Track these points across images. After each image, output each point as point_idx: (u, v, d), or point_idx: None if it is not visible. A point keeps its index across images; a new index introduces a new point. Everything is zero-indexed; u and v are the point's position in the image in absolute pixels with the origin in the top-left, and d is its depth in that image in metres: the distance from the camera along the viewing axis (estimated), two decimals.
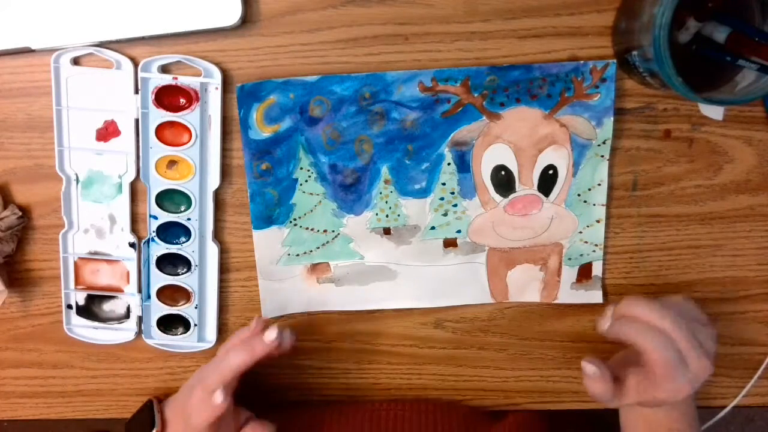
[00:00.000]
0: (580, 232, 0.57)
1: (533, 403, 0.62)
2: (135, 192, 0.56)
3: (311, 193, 0.56)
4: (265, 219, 0.57)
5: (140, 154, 0.54)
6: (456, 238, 0.57)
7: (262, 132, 0.54)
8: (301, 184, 0.56)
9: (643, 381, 0.50)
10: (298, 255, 0.58)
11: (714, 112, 0.54)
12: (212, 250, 0.57)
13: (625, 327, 0.49)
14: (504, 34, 0.52)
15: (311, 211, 0.56)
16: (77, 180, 0.55)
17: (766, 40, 0.47)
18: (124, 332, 0.59)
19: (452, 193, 0.56)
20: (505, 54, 0.53)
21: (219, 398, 0.50)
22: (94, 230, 0.57)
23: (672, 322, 0.48)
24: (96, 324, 0.59)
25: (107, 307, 0.59)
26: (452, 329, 0.60)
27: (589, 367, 0.50)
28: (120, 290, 0.58)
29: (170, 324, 0.59)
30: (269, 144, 0.54)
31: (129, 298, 0.58)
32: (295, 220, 0.57)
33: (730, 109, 0.55)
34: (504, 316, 0.60)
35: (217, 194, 0.56)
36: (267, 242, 0.57)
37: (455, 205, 0.56)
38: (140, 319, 0.59)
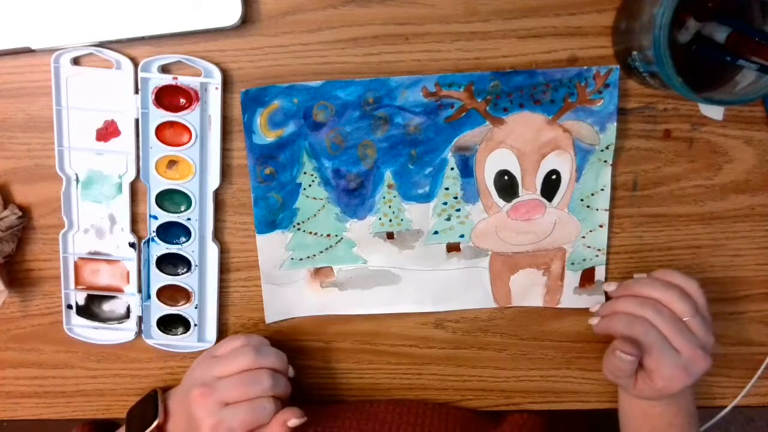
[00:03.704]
0: (583, 237, 0.57)
1: (533, 403, 0.62)
2: (135, 192, 0.56)
3: (315, 198, 0.56)
4: (269, 223, 0.57)
5: (140, 154, 0.54)
6: (459, 243, 0.57)
7: (266, 137, 0.54)
8: (304, 189, 0.56)
9: (643, 372, 0.51)
10: (301, 259, 0.58)
11: (714, 112, 0.54)
12: (212, 250, 0.57)
13: (611, 323, 0.51)
14: (504, 34, 0.52)
15: (315, 215, 0.56)
16: (77, 180, 0.55)
17: (766, 40, 0.47)
18: (124, 332, 0.59)
19: (455, 197, 0.56)
20: (505, 54, 0.53)
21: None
22: (94, 230, 0.57)
23: (652, 310, 0.49)
24: (96, 324, 0.59)
25: (107, 307, 0.59)
26: (452, 329, 0.60)
27: (629, 352, 0.50)
28: (120, 290, 0.58)
29: (170, 324, 0.59)
30: (273, 149, 0.54)
31: (129, 298, 0.58)
32: (298, 224, 0.57)
33: (730, 109, 0.55)
34: (504, 317, 0.60)
35: (217, 194, 0.56)
36: (270, 246, 0.57)
37: (458, 210, 0.56)
38: (140, 319, 0.59)
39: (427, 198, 0.56)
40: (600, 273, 0.58)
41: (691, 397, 0.55)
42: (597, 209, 0.56)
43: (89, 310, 0.59)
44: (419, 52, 0.53)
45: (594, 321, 0.53)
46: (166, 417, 0.54)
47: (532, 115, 0.53)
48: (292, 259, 0.58)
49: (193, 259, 0.57)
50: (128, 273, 0.58)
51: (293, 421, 0.51)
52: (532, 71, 0.52)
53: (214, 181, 0.55)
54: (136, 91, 0.53)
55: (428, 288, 0.59)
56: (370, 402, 0.61)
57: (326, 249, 0.58)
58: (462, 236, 0.57)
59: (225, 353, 0.53)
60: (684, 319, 0.50)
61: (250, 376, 0.51)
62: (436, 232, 0.57)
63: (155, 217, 0.56)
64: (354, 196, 0.56)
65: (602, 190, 0.55)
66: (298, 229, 0.57)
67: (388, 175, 0.55)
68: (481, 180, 0.55)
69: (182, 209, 0.56)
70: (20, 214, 0.56)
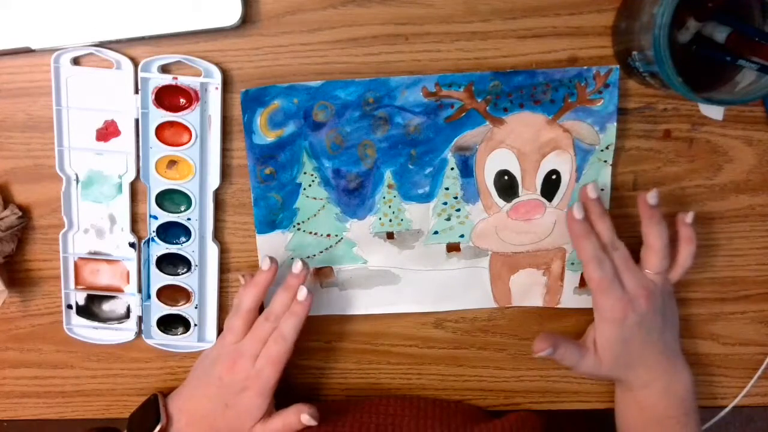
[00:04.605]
0: None
1: (533, 403, 0.62)
2: (135, 192, 0.56)
3: (315, 198, 0.56)
4: (269, 223, 0.57)
5: (140, 154, 0.54)
6: (459, 243, 0.57)
7: (266, 137, 0.54)
8: (304, 189, 0.56)
9: (596, 322, 0.53)
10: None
11: (714, 112, 0.54)
12: (212, 250, 0.57)
13: (581, 243, 0.52)
14: (504, 34, 0.52)
15: (315, 215, 0.56)
16: (77, 180, 0.55)
17: (766, 40, 0.47)
18: (124, 332, 0.59)
19: (455, 197, 0.56)
20: (505, 54, 0.53)
21: (304, 293, 0.53)
22: (94, 230, 0.57)
23: (610, 241, 0.52)
24: (96, 324, 0.59)
25: (107, 307, 0.59)
26: (452, 329, 0.60)
27: (539, 349, 0.53)
28: (120, 290, 0.58)
29: (170, 324, 0.59)
30: (273, 149, 0.54)
31: (129, 298, 0.58)
32: (298, 224, 0.57)
33: (730, 109, 0.55)
34: (504, 316, 0.60)
35: (217, 194, 0.56)
36: (270, 246, 0.57)
37: (458, 210, 0.56)
38: (140, 319, 0.59)
39: (427, 198, 0.56)
40: None
41: (688, 390, 0.54)
42: None
43: (89, 310, 0.59)
44: (419, 52, 0.53)
45: (578, 215, 0.52)
46: (168, 421, 0.54)
47: (532, 115, 0.53)
48: (293, 259, 0.58)
49: (193, 259, 0.57)
50: (128, 273, 0.58)
51: (305, 417, 0.53)
52: (532, 71, 0.52)
53: (214, 181, 0.55)
54: (136, 91, 0.53)
55: (428, 288, 0.59)
56: (370, 398, 0.61)
57: (326, 249, 0.58)
58: (462, 236, 0.57)
59: (229, 326, 0.56)
60: (645, 271, 0.53)
61: (263, 316, 0.54)
62: (436, 232, 0.57)
63: (155, 217, 0.56)
64: (354, 196, 0.56)
65: (602, 190, 0.55)
66: (298, 229, 0.57)
67: (388, 175, 0.55)
68: (481, 180, 0.55)
69: (182, 209, 0.56)
70: (20, 214, 0.56)
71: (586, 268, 0.52)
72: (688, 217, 0.53)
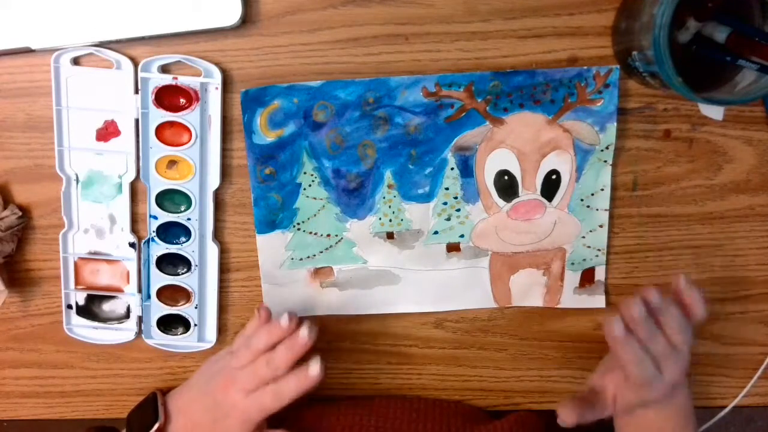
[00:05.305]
0: (583, 237, 0.57)
1: (533, 403, 0.62)
2: (135, 192, 0.56)
3: (315, 198, 0.56)
4: (269, 223, 0.57)
5: (140, 154, 0.54)
6: (459, 243, 0.57)
7: (266, 137, 0.54)
8: (304, 189, 0.56)
9: (621, 385, 0.51)
10: (301, 259, 0.58)
11: (714, 112, 0.54)
12: (212, 250, 0.57)
13: (623, 349, 0.49)
14: (504, 34, 0.52)
15: (315, 215, 0.56)
16: (77, 180, 0.55)
17: (766, 40, 0.47)
18: (124, 332, 0.59)
19: (455, 197, 0.56)
20: (505, 54, 0.53)
21: (316, 370, 0.50)
22: (94, 230, 0.57)
23: (648, 331, 0.49)
24: (96, 324, 0.59)
25: (107, 307, 0.59)
26: (452, 329, 0.60)
27: (567, 423, 0.51)
28: (120, 290, 0.58)
29: (170, 324, 0.59)
30: (273, 149, 0.54)
31: (129, 298, 0.58)
32: (298, 224, 0.57)
33: (730, 109, 0.55)
34: (504, 316, 0.60)
35: (217, 194, 0.56)
36: (270, 246, 0.57)
37: (458, 210, 0.56)
38: (140, 319, 0.59)
39: (427, 198, 0.56)
40: (600, 273, 0.58)
41: (686, 397, 0.54)
42: (597, 209, 0.56)
43: (89, 310, 0.59)
44: (419, 52, 0.53)
45: (619, 332, 0.49)
46: (167, 419, 0.54)
47: (532, 115, 0.53)
48: (292, 259, 0.58)
49: (193, 259, 0.57)
50: (128, 273, 0.58)
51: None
52: (532, 71, 0.52)
53: (214, 181, 0.55)
54: (136, 91, 0.53)
55: (428, 288, 0.59)
56: (370, 398, 0.61)
57: (326, 249, 0.58)
58: (462, 236, 0.57)
59: (238, 347, 0.53)
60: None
61: (264, 359, 0.51)
62: (436, 232, 0.57)
63: (155, 217, 0.56)
64: (354, 196, 0.56)
65: (602, 190, 0.55)
66: (298, 229, 0.57)
67: (388, 175, 0.55)
68: (481, 180, 0.55)
69: (182, 209, 0.56)
70: (20, 214, 0.56)
71: (627, 367, 0.49)
72: (682, 283, 0.50)
